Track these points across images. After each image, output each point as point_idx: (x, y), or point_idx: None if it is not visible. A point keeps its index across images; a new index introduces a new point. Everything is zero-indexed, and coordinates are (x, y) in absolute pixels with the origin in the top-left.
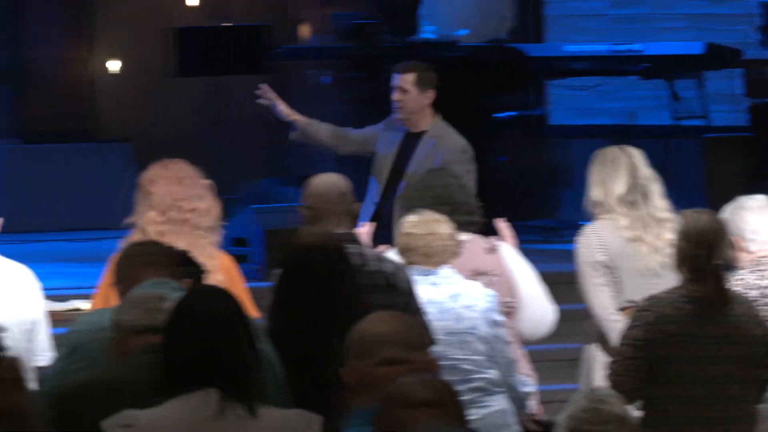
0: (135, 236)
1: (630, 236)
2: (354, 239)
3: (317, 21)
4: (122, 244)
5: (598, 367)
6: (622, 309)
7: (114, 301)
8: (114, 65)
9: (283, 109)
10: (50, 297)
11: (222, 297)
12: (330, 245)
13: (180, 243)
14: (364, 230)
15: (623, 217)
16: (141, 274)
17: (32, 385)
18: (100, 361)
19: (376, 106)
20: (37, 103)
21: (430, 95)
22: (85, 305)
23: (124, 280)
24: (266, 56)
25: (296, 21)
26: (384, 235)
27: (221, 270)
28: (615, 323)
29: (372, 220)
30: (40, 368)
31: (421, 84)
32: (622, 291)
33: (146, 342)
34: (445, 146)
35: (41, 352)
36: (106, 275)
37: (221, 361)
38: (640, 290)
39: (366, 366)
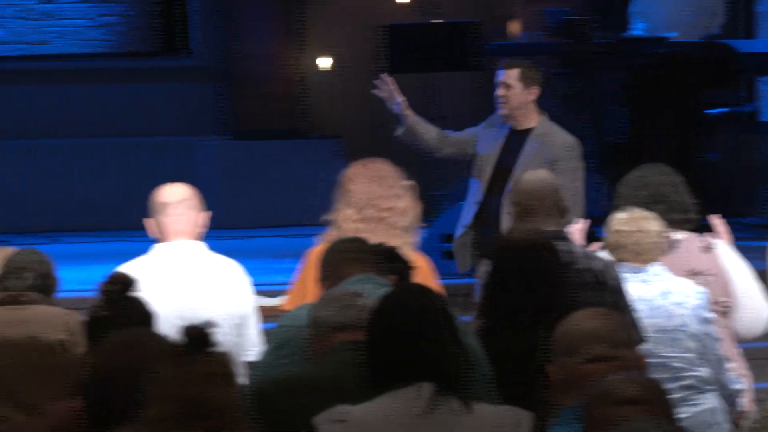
0: (331, 233)
1: None
2: (563, 236)
3: (527, 17)
4: (318, 240)
5: None
6: None
7: (312, 297)
8: (325, 62)
9: (402, 102)
10: (261, 292)
11: (425, 293)
12: (540, 242)
13: (374, 241)
14: (578, 227)
15: None
16: (347, 270)
17: (242, 380)
18: (305, 356)
19: (584, 102)
20: (249, 100)
21: (534, 92)
22: None
23: (330, 276)
24: (476, 53)
25: (506, 17)
26: (490, 235)
27: (416, 270)
28: None
29: (475, 219)
30: (249, 363)
31: (525, 80)
32: None
33: (342, 339)
34: (554, 143)
35: (251, 347)
36: (301, 271)
37: (431, 357)
38: None
39: (573, 363)
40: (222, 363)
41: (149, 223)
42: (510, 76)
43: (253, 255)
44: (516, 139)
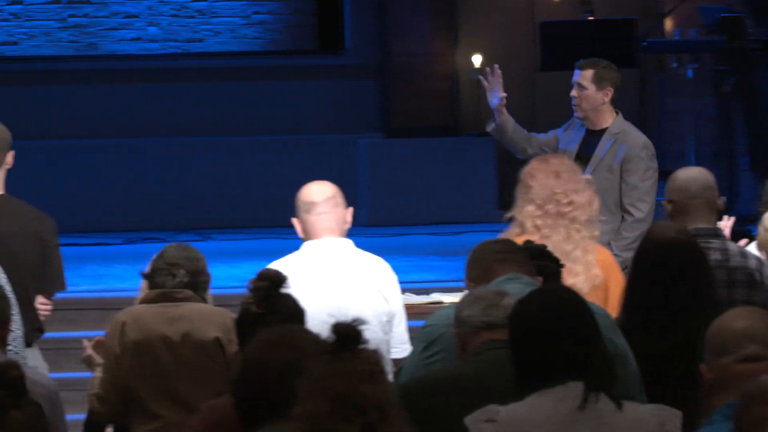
0: (513, 230)
1: None
2: (717, 234)
3: (682, 14)
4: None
5: None
6: None
7: None
8: (478, 60)
9: (501, 98)
10: (411, 290)
11: (569, 293)
12: (682, 240)
13: (556, 236)
14: (727, 224)
15: None
16: (494, 270)
17: (389, 377)
18: (454, 355)
19: (739, 99)
20: (401, 97)
21: (608, 93)
22: (446, 298)
23: (479, 277)
24: (632, 50)
25: (662, 14)
26: None
27: (599, 264)
28: None
29: None
30: (396, 360)
31: (599, 81)
32: None
33: (487, 338)
34: (627, 143)
35: (398, 344)
36: None
37: (578, 356)
38: None
39: (726, 362)
40: (372, 360)
41: (295, 223)
42: (584, 77)
43: (405, 252)
44: (591, 139)
